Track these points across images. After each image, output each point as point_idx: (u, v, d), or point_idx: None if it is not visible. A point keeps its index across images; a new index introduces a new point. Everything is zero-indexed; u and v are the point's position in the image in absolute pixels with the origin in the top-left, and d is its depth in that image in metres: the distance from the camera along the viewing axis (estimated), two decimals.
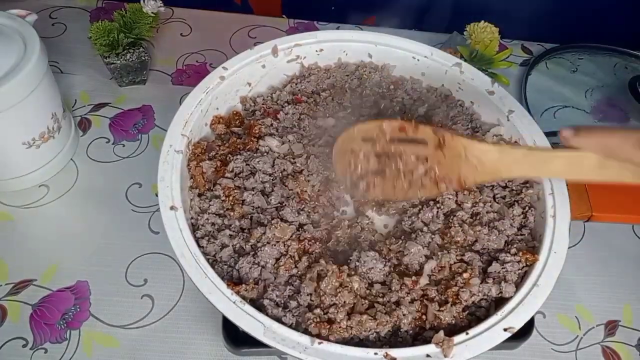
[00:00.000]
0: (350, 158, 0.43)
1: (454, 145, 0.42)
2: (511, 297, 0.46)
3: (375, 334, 0.45)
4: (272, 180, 0.54)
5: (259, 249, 0.48)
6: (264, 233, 0.49)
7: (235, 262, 0.48)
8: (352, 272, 0.47)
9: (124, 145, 0.70)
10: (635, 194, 0.62)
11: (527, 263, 0.48)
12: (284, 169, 0.55)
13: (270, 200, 0.52)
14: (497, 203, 0.54)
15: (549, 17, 0.89)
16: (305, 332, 0.43)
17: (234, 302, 0.43)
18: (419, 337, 0.45)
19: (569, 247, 0.49)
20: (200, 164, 0.54)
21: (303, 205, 0.53)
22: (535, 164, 0.41)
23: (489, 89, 0.61)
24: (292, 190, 0.53)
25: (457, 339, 0.43)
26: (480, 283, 0.48)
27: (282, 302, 0.46)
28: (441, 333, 0.43)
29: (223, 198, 0.52)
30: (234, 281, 0.47)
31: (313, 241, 0.50)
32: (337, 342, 0.43)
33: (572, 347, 0.58)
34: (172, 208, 0.47)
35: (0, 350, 0.53)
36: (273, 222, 0.50)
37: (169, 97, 0.75)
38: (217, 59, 0.81)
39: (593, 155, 0.39)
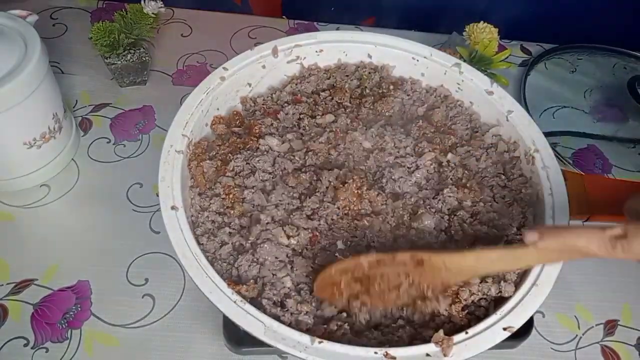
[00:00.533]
0: (333, 290, 0.46)
1: (432, 263, 0.45)
2: (510, 297, 0.46)
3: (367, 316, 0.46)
4: (272, 178, 0.54)
5: (258, 246, 0.48)
6: (263, 230, 0.49)
7: (234, 260, 0.48)
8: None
9: (124, 146, 0.70)
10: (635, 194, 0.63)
11: None
12: (284, 168, 0.55)
13: (271, 198, 0.52)
14: (497, 203, 0.54)
15: (548, 18, 0.89)
16: (307, 331, 0.43)
17: (234, 302, 0.43)
18: (417, 337, 0.46)
19: None
20: (201, 163, 0.54)
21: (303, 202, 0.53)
22: (509, 262, 0.45)
23: (488, 89, 0.61)
24: (293, 187, 0.54)
25: (457, 338, 0.43)
26: (480, 282, 0.48)
27: (279, 300, 0.46)
28: (441, 332, 0.43)
29: (223, 196, 0.53)
30: (233, 280, 0.47)
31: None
32: (337, 341, 0.43)
33: (571, 346, 0.58)
34: (173, 208, 0.48)
35: (1, 349, 0.53)
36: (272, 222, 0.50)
37: (169, 97, 0.75)
38: (217, 60, 0.81)
39: (556, 249, 0.42)
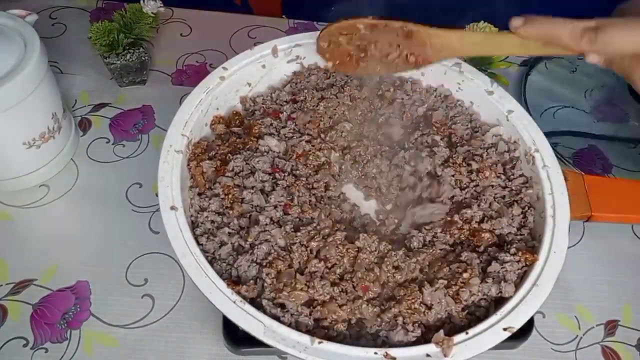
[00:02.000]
0: (334, 46, 0.54)
1: (419, 35, 0.51)
2: (511, 297, 0.46)
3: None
4: (272, 179, 0.54)
5: (257, 247, 0.48)
6: (262, 231, 0.49)
7: (234, 260, 0.48)
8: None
9: (124, 146, 0.70)
10: (635, 194, 0.62)
11: (527, 263, 0.48)
12: (283, 168, 0.55)
13: (270, 199, 0.52)
14: (497, 203, 0.54)
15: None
16: (307, 332, 0.43)
17: (234, 302, 0.43)
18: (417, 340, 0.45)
19: (568, 247, 0.49)
20: (201, 163, 0.54)
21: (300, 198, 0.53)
22: (490, 45, 0.50)
23: (488, 89, 0.61)
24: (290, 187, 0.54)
25: (457, 338, 0.43)
26: (480, 283, 0.48)
27: (279, 302, 0.46)
28: (441, 332, 0.43)
29: (222, 196, 0.53)
30: (233, 280, 0.47)
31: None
32: (337, 340, 0.43)
33: (571, 347, 0.58)
34: (172, 208, 0.48)
35: (0, 349, 0.53)
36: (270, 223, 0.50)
37: (169, 97, 0.75)
38: (217, 59, 0.81)
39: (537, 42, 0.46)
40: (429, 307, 0.46)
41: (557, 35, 0.43)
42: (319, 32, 0.56)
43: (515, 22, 0.46)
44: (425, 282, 0.47)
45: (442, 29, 0.50)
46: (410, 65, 0.53)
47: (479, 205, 0.53)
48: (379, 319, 0.46)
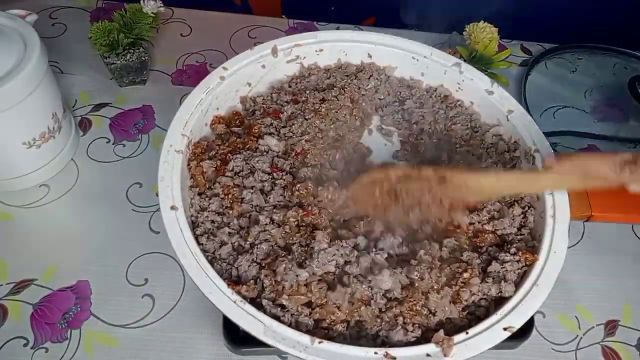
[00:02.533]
0: (364, 195, 0.50)
1: (454, 180, 0.48)
2: (511, 297, 0.46)
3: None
4: (271, 179, 0.54)
5: (257, 246, 0.48)
6: (262, 231, 0.49)
7: (234, 260, 0.48)
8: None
9: (124, 145, 0.70)
10: (635, 194, 0.62)
11: (527, 263, 0.48)
12: (282, 168, 0.55)
13: (269, 199, 0.52)
14: (498, 203, 0.54)
15: (548, 17, 0.89)
16: (307, 331, 0.43)
17: (234, 302, 0.43)
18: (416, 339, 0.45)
19: (568, 247, 0.49)
20: (201, 163, 0.54)
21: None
22: (527, 183, 0.49)
23: (488, 89, 0.61)
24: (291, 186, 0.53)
25: (457, 338, 0.43)
26: (480, 282, 0.48)
27: (279, 302, 0.46)
28: (441, 332, 0.43)
29: (222, 196, 0.53)
30: (233, 280, 0.47)
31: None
32: (337, 341, 0.43)
33: (571, 346, 0.58)
34: (172, 208, 0.48)
35: (1, 349, 0.53)
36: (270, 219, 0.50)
37: (169, 97, 0.75)
38: (217, 59, 0.81)
39: (574, 176, 0.46)
40: (433, 314, 0.46)
41: (595, 171, 0.43)
42: (354, 181, 0.51)
43: (548, 161, 0.47)
44: (432, 290, 0.47)
45: (477, 172, 0.49)
46: (444, 209, 0.50)
47: (485, 207, 0.53)
48: (378, 320, 0.46)
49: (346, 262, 0.48)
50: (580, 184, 0.47)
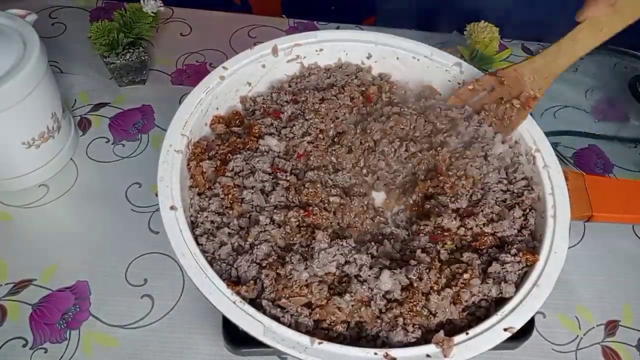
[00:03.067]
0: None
1: (509, 74, 0.56)
2: (511, 297, 0.46)
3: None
4: (272, 179, 0.54)
5: (256, 247, 0.48)
6: (262, 231, 0.49)
7: (233, 261, 0.48)
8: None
9: (123, 145, 0.70)
10: (636, 194, 0.62)
11: (527, 263, 0.48)
12: (284, 168, 0.55)
13: (270, 199, 0.52)
14: (498, 206, 0.54)
15: (549, 17, 0.88)
16: (307, 332, 0.43)
17: (234, 302, 0.43)
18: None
19: (569, 247, 0.49)
20: (200, 163, 0.54)
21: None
22: (569, 51, 0.52)
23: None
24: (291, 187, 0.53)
25: (457, 339, 0.43)
26: (481, 283, 0.47)
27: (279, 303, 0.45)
28: (441, 333, 0.43)
29: (222, 196, 0.52)
30: (233, 280, 0.47)
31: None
32: (337, 341, 0.43)
33: (572, 347, 0.58)
34: (172, 208, 0.47)
35: (0, 350, 0.53)
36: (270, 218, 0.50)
37: (168, 97, 0.75)
38: (217, 59, 0.81)
39: (603, 18, 0.48)
40: (433, 315, 0.46)
41: None
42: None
43: (580, 12, 0.49)
44: (432, 291, 0.47)
45: (522, 62, 0.55)
46: (521, 109, 0.56)
47: (482, 211, 0.53)
48: (378, 320, 0.46)
49: (346, 262, 0.48)
50: (618, 20, 0.48)
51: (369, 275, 0.47)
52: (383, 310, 0.46)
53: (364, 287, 0.46)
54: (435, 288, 0.47)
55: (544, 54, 0.54)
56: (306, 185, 0.53)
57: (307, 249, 0.49)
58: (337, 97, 0.61)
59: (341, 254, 0.48)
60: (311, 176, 0.55)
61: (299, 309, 0.45)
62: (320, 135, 0.59)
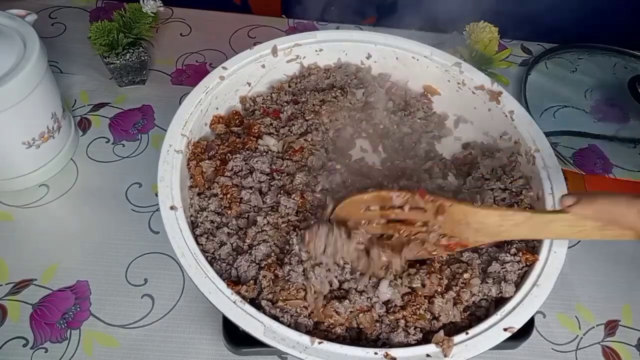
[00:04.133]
0: (356, 224, 0.47)
1: (453, 212, 0.44)
2: (511, 297, 0.46)
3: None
4: (269, 180, 0.54)
5: (255, 247, 0.48)
6: (259, 232, 0.49)
7: (233, 260, 0.48)
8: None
9: (123, 145, 0.70)
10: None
11: (527, 263, 0.48)
12: (281, 170, 0.55)
13: (266, 199, 0.52)
14: (497, 205, 0.54)
15: (548, 17, 0.89)
16: (307, 332, 0.43)
17: (234, 302, 0.43)
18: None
19: (568, 247, 0.49)
20: (200, 163, 0.54)
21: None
22: (536, 227, 0.43)
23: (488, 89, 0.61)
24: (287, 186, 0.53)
25: (457, 338, 0.43)
26: (481, 283, 0.48)
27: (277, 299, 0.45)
28: (441, 333, 0.43)
29: (221, 196, 0.52)
30: (233, 280, 0.47)
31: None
32: (337, 341, 0.43)
33: (572, 347, 0.58)
34: (172, 208, 0.47)
35: (0, 349, 0.53)
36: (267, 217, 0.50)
37: (168, 97, 0.75)
38: (216, 59, 0.81)
39: (591, 220, 0.40)
40: (437, 318, 0.46)
41: (622, 217, 0.37)
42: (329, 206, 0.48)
43: (566, 200, 0.40)
44: (437, 294, 0.47)
45: (478, 207, 0.44)
46: (442, 249, 0.46)
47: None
48: (378, 324, 0.46)
49: (345, 280, 0.47)
50: (599, 234, 0.40)
51: (366, 286, 0.47)
52: (384, 315, 0.46)
53: (362, 297, 0.46)
54: (439, 290, 0.47)
55: (504, 216, 0.43)
56: (292, 197, 0.52)
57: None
58: (336, 98, 0.61)
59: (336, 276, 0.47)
60: (301, 178, 0.54)
61: (298, 309, 0.45)
62: (318, 137, 0.59)
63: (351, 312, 0.45)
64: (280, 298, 0.45)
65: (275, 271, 0.46)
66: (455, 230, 0.44)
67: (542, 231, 0.43)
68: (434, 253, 0.46)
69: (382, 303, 0.46)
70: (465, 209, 0.43)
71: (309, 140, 0.57)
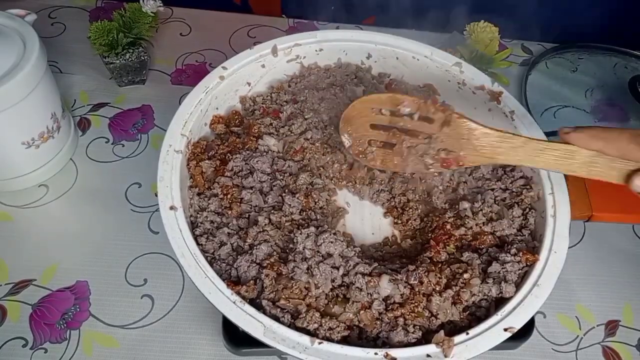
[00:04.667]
0: (363, 124, 0.48)
1: (458, 125, 0.45)
2: (511, 297, 0.46)
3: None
4: (270, 180, 0.54)
5: (256, 247, 0.48)
6: (260, 232, 0.49)
7: (233, 261, 0.48)
8: None
9: (123, 145, 0.70)
10: (635, 194, 0.62)
11: (528, 263, 0.48)
12: (282, 170, 0.55)
13: (267, 199, 0.52)
14: (497, 205, 0.54)
15: (549, 17, 0.88)
16: (307, 332, 0.43)
17: (233, 302, 0.43)
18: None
19: (569, 247, 0.49)
20: (200, 163, 0.54)
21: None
22: (531, 153, 0.45)
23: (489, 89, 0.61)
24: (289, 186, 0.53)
25: (458, 339, 0.43)
26: (481, 283, 0.47)
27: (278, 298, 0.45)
28: (441, 333, 0.43)
29: (221, 196, 0.52)
30: (233, 280, 0.46)
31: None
32: (337, 341, 0.43)
33: (572, 347, 0.58)
34: (171, 208, 0.47)
35: (0, 350, 0.53)
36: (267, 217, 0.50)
37: (168, 96, 0.74)
38: (216, 59, 0.80)
39: (584, 151, 0.43)
40: (435, 316, 0.46)
41: (614, 142, 0.39)
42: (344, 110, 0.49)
43: (565, 128, 0.43)
44: (434, 292, 0.47)
45: (481, 125, 0.46)
46: (439, 163, 0.47)
47: (482, 210, 0.53)
48: (378, 322, 0.45)
49: (345, 274, 0.47)
50: (585, 170, 0.43)
51: (367, 282, 0.47)
52: (383, 312, 0.46)
53: (362, 293, 0.46)
54: (437, 289, 0.47)
55: (504, 137, 0.45)
56: (297, 197, 0.52)
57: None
58: (335, 96, 0.61)
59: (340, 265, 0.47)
60: (304, 178, 0.54)
61: (299, 307, 0.45)
62: (317, 135, 0.58)
63: (353, 309, 0.45)
64: (283, 296, 0.45)
65: (279, 269, 0.46)
66: (456, 145, 0.46)
67: (535, 158, 0.45)
68: (431, 167, 0.47)
69: (382, 300, 0.46)
70: (469, 123, 0.45)
71: (309, 138, 0.57)
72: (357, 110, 0.49)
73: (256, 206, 0.52)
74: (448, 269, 0.49)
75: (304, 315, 0.44)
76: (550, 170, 0.45)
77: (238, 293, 0.44)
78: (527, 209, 0.53)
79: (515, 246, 0.50)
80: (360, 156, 0.50)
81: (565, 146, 0.44)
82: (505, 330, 0.43)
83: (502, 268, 0.48)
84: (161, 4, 0.72)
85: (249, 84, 0.62)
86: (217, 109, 0.59)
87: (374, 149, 0.49)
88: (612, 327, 0.60)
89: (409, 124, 0.48)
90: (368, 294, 0.46)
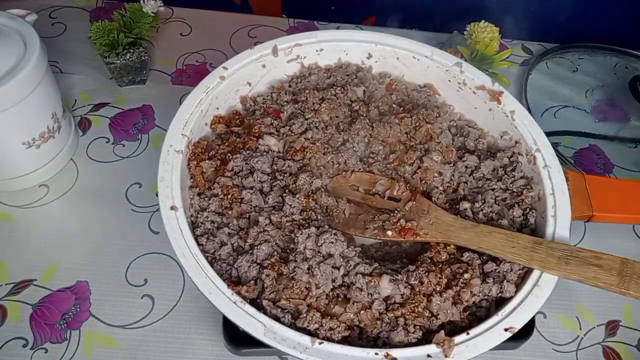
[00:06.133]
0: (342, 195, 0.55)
1: (421, 202, 0.52)
2: (512, 297, 0.46)
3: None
4: (270, 180, 0.54)
5: (256, 247, 0.48)
6: (261, 232, 0.49)
7: (234, 261, 0.48)
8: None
9: (124, 145, 0.70)
10: (636, 194, 0.62)
11: None
12: (283, 170, 0.55)
13: (268, 199, 0.52)
14: (498, 205, 0.54)
15: (549, 17, 0.89)
16: (307, 332, 0.43)
17: (234, 302, 0.43)
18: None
19: None
20: (200, 163, 0.54)
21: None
22: (479, 235, 0.49)
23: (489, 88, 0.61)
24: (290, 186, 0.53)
25: (458, 339, 0.43)
26: (481, 283, 0.47)
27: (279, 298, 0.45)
28: (442, 333, 0.43)
29: (221, 196, 0.52)
30: (233, 280, 0.46)
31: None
32: (338, 341, 0.43)
33: (572, 347, 0.58)
34: (172, 208, 0.47)
35: (0, 350, 0.53)
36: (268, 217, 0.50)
37: (168, 97, 0.75)
38: (217, 59, 0.81)
39: (526, 237, 0.48)
40: (435, 316, 0.46)
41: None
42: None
43: None
44: (435, 292, 0.47)
45: (442, 209, 0.52)
46: (396, 231, 0.50)
47: (482, 210, 0.53)
48: (378, 322, 0.45)
49: (346, 274, 0.47)
50: (527, 255, 0.46)
51: (367, 283, 0.47)
52: (383, 312, 0.46)
53: (363, 293, 0.46)
54: (438, 289, 0.47)
55: (456, 219, 0.50)
56: (297, 197, 0.52)
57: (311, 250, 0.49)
58: (336, 96, 0.61)
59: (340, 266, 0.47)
60: (305, 179, 0.54)
61: (299, 307, 0.45)
62: (318, 135, 0.58)
63: (354, 309, 0.45)
64: (283, 297, 0.45)
65: (280, 269, 0.46)
66: (415, 216, 0.51)
67: (482, 240, 0.48)
68: (389, 234, 0.51)
69: (382, 300, 0.46)
70: (430, 203, 0.52)
71: (309, 138, 0.57)
72: (339, 183, 0.55)
73: (256, 206, 0.52)
74: (448, 269, 0.49)
75: (305, 315, 0.44)
76: (495, 253, 0.48)
77: (238, 293, 0.44)
78: (528, 209, 0.53)
79: None
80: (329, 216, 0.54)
81: (509, 232, 0.48)
82: (506, 330, 0.43)
83: (503, 268, 0.48)
84: (162, 4, 0.72)
85: (249, 84, 0.62)
86: (217, 109, 0.59)
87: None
88: (612, 327, 0.60)
89: (378, 203, 0.54)
90: (368, 294, 0.46)
